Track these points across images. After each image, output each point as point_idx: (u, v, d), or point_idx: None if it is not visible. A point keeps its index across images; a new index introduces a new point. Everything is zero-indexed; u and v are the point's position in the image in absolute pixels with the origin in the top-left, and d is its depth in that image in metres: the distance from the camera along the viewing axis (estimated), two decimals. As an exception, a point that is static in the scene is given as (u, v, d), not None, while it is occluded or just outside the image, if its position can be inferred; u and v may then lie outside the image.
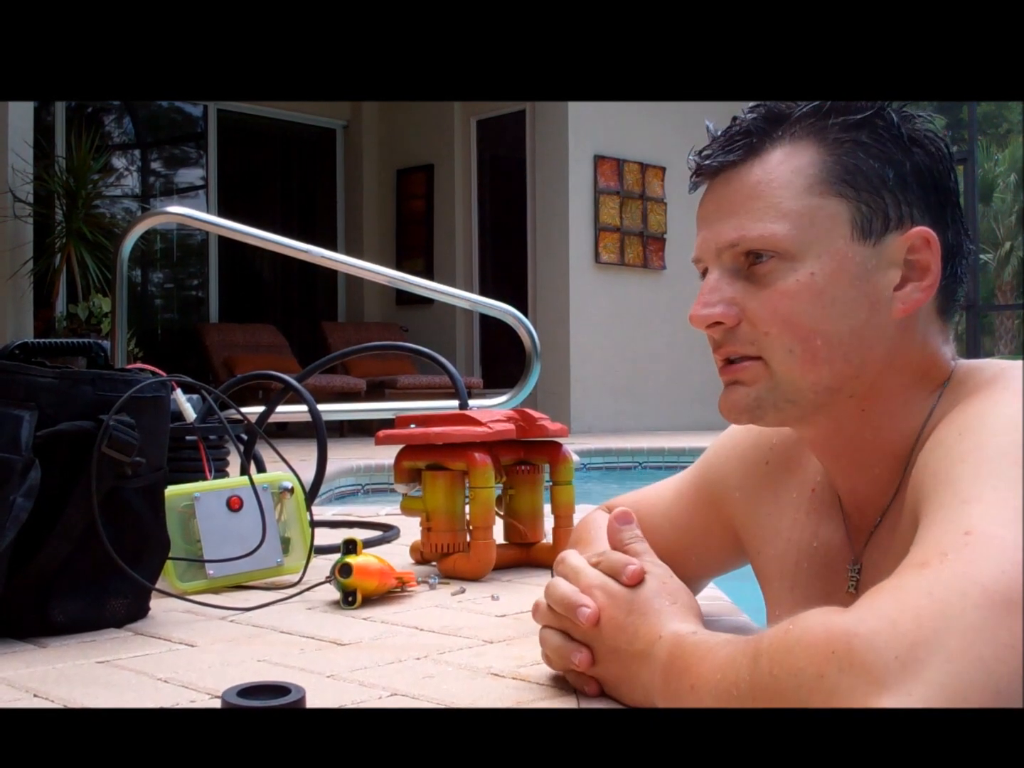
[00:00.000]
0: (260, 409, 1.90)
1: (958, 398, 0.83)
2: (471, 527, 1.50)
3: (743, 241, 0.84)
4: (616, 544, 0.87)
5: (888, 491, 0.88)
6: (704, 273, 0.90)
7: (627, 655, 0.79)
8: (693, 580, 1.14)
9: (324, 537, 1.74)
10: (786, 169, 0.84)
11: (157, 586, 1.22)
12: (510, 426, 1.55)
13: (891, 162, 0.83)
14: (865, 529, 0.92)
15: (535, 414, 1.60)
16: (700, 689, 0.68)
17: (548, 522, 1.61)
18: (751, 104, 0.88)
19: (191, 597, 1.29)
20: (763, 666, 0.62)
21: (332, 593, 1.33)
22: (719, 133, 0.88)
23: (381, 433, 1.59)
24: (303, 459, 1.77)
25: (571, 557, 0.87)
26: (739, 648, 0.66)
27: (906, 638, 0.56)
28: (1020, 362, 0.83)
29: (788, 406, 0.86)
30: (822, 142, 0.84)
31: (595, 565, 0.85)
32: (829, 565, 0.95)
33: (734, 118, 0.88)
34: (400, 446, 1.56)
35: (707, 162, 0.87)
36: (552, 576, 0.89)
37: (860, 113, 0.83)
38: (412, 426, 1.56)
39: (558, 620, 0.85)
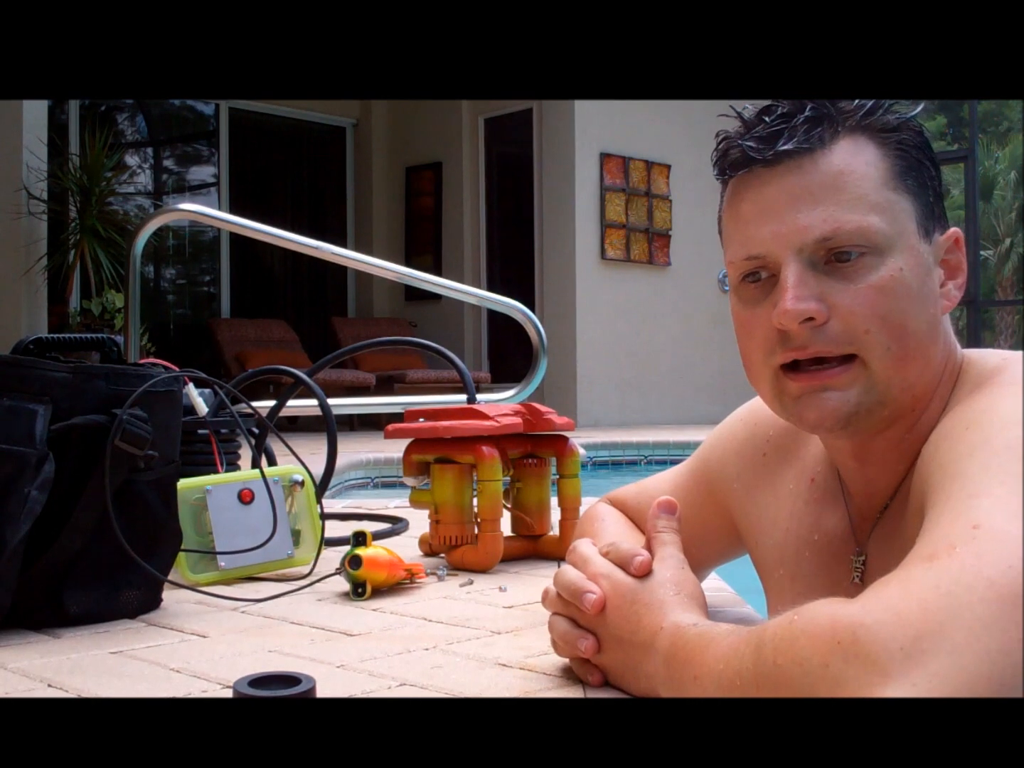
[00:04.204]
0: (271, 403, 1.91)
1: (965, 390, 0.84)
2: (479, 520, 1.51)
3: (838, 234, 0.80)
4: (649, 530, 0.86)
5: (896, 480, 0.88)
6: (752, 273, 0.85)
7: (630, 645, 0.79)
8: (692, 571, 1.14)
9: (334, 529, 1.75)
10: (861, 161, 0.81)
11: (169, 578, 1.23)
12: (517, 420, 1.55)
13: (930, 163, 0.84)
14: (870, 518, 0.91)
15: (542, 408, 1.61)
16: (703, 679, 0.69)
17: (555, 515, 1.62)
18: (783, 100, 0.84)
19: (203, 588, 1.30)
20: (767, 655, 0.62)
21: (342, 584, 1.34)
22: (773, 119, 0.82)
23: (390, 427, 1.60)
24: (313, 452, 1.78)
25: (582, 546, 0.88)
26: (742, 638, 0.67)
27: (911, 629, 0.56)
28: (1021, 353, 0.84)
29: (879, 409, 0.83)
30: (876, 138, 0.82)
31: (605, 555, 0.85)
32: (832, 555, 0.94)
33: (769, 107, 0.83)
34: (409, 440, 1.57)
35: (778, 147, 0.81)
36: (561, 566, 0.90)
37: (899, 114, 0.83)
38: (421, 420, 1.57)
39: (566, 607, 0.85)
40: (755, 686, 0.63)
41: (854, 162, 0.81)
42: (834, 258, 0.81)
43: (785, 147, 0.80)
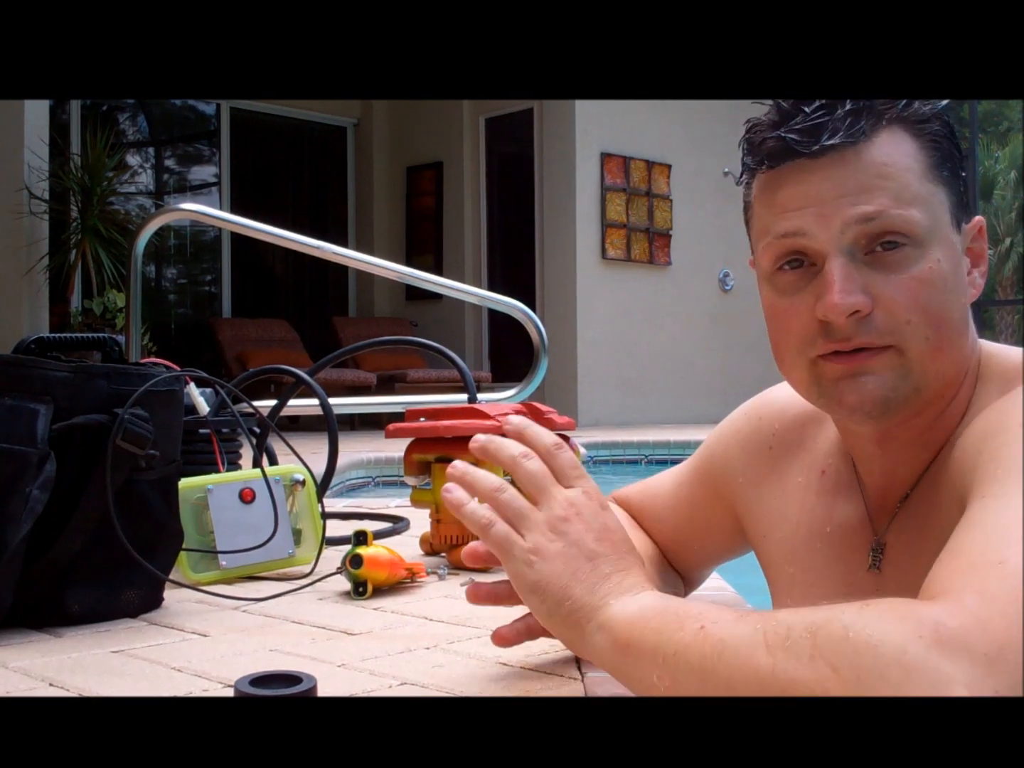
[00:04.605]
0: (272, 403, 1.92)
1: (995, 383, 0.85)
2: (480, 520, 1.51)
3: (882, 217, 0.79)
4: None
5: (918, 471, 0.88)
6: (789, 256, 0.84)
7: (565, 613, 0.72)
8: (695, 568, 1.14)
9: (335, 528, 1.75)
10: (901, 153, 0.81)
11: (171, 577, 1.24)
12: (519, 420, 1.56)
13: (959, 152, 0.85)
14: (888, 508, 0.90)
15: (543, 407, 1.61)
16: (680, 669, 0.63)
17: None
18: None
19: (204, 588, 1.31)
20: (834, 631, 0.57)
21: (343, 584, 1.34)
22: (814, 111, 0.81)
23: (391, 426, 1.60)
24: (314, 452, 1.79)
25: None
26: (760, 623, 0.61)
27: (996, 638, 0.55)
28: None
29: (915, 395, 0.83)
30: (912, 130, 0.82)
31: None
32: (847, 546, 0.93)
33: (803, 101, 0.82)
34: (410, 439, 1.58)
35: (829, 141, 0.80)
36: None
37: (932, 105, 0.83)
38: (422, 419, 1.57)
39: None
40: (807, 660, 0.57)
41: (896, 153, 0.81)
42: (879, 248, 0.80)
43: (831, 141, 0.80)
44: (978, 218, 0.86)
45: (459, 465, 0.78)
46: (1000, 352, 0.88)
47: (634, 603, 0.69)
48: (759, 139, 0.84)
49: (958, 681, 0.54)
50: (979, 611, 0.57)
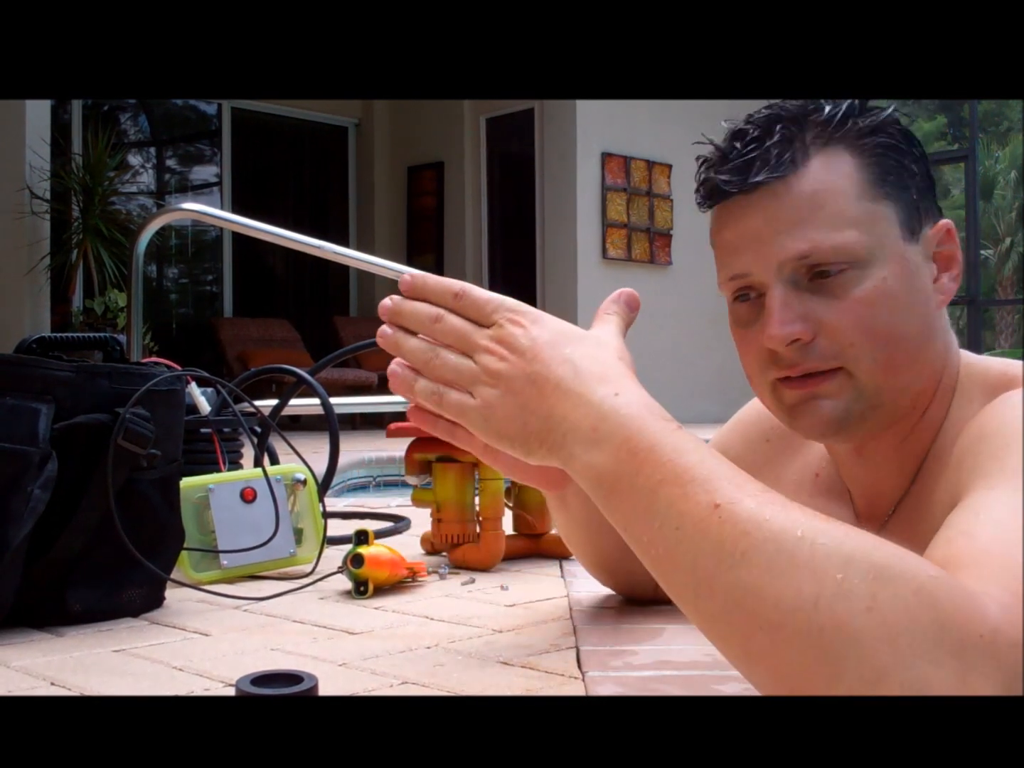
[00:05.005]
0: (273, 402, 1.92)
1: (978, 389, 0.84)
2: (481, 518, 1.52)
3: (816, 252, 0.81)
4: (599, 311, 0.76)
5: (903, 483, 0.89)
6: (741, 291, 0.86)
7: (556, 390, 0.65)
8: None
9: (336, 528, 1.75)
10: (835, 177, 0.82)
11: (172, 576, 1.24)
12: (520, 420, 1.56)
13: (912, 159, 0.85)
14: (878, 517, 0.91)
15: (545, 408, 1.61)
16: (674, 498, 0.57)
17: (558, 515, 1.62)
18: (759, 113, 0.85)
19: (205, 587, 1.31)
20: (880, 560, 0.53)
21: (344, 583, 1.34)
22: (737, 145, 0.83)
23: (392, 426, 1.60)
24: (316, 451, 1.79)
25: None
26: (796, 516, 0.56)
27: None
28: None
29: (873, 414, 0.83)
30: (851, 147, 0.83)
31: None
32: None
33: (739, 131, 0.84)
34: (411, 438, 1.58)
35: (752, 178, 0.81)
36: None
37: (874, 116, 0.84)
38: (423, 420, 1.57)
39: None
40: (863, 612, 0.52)
41: (828, 179, 0.81)
42: (816, 275, 0.82)
43: (757, 179, 0.82)
44: (944, 222, 0.86)
45: (389, 304, 0.70)
46: (980, 362, 0.88)
47: (606, 446, 0.62)
48: (700, 178, 0.87)
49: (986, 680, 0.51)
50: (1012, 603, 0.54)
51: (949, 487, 0.77)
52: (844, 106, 0.83)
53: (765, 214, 0.82)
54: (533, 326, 0.67)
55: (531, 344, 0.66)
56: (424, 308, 0.70)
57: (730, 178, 0.83)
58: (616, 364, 0.68)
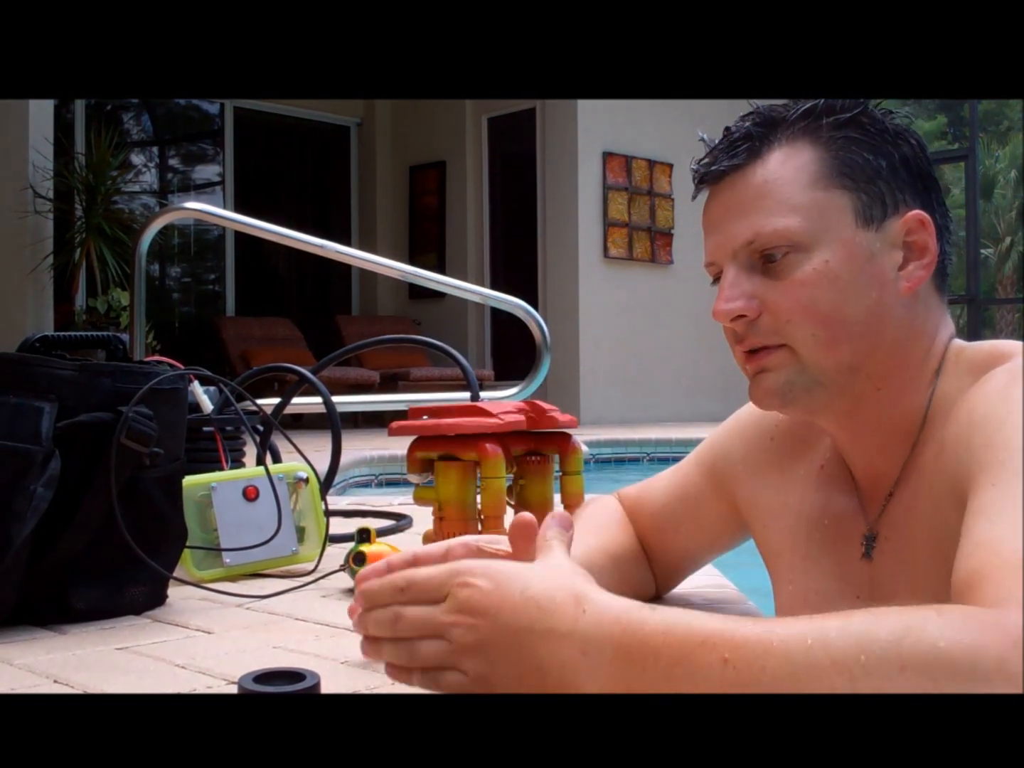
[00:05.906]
0: (276, 401, 1.92)
1: (963, 369, 0.87)
2: (483, 516, 1.52)
3: (759, 238, 0.88)
4: (538, 539, 0.74)
5: (899, 463, 0.92)
6: (717, 276, 0.93)
7: (528, 634, 0.65)
8: (676, 559, 1.14)
9: (338, 526, 1.76)
10: (789, 168, 0.88)
11: (175, 574, 1.24)
12: (521, 417, 1.56)
13: (881, 154, 0.89)
14: (878, 500, 0.94)
15: (545, 405, 1.61)
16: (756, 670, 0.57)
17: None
18: (745, 112, 0.91)
19: (208, 585, 1.31)
20: (928, 635, 0.55)
21: (346, 581, 1.34)
22: (717, 141, 0.92)
23: (394, 424, 1.60)
24: (318, 450, 1.79)
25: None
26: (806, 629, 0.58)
27: None
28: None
29: (817, 388, 0.89)
30: (817, 141, 0.88)
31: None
32: (841, 536, 0.97)
33: (727, 128, 0.92)
34: (413, 437, 1.58)
35: (713, 168, 0.90)
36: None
37: (847, 112, 0.88)
38: (425, 417, 1.57)
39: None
40: (896, 673, 0.54)
41: (781, 169, 0.88)
42: (766, 260, 0.88)
43: (716, 167, 0.90)
44: (915, 212, 0.89)
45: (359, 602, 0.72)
46: (969, 346, 0.92)
47: (603, 664, 0.63)
48: (693, 173, 0.95)
49: None
50: None
51: (947, 475, 0.80)
52: (820, 104, 0.88)
53: (724, 204, 0.91)
54: (482, 581, 0.67)
55: (488, 600, 0.66)
56: (383, 615, 0.71)
57: (702, 169, 0.92)
58: (569, 582, 0.67)
